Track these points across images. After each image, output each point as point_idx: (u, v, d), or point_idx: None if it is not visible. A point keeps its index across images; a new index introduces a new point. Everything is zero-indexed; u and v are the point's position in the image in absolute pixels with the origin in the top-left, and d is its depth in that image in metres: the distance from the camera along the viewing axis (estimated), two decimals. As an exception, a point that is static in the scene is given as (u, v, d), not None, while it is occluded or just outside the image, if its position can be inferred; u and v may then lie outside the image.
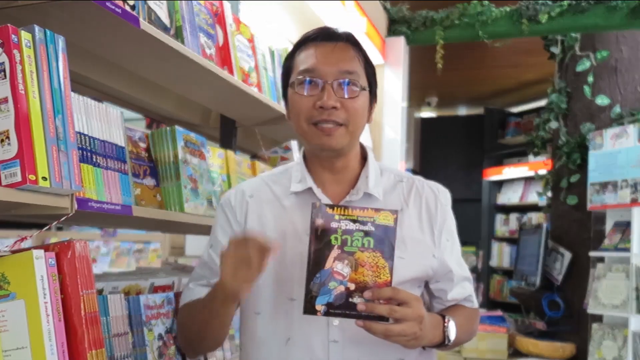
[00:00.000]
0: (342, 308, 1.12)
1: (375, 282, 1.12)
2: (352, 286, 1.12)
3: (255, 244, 1.17)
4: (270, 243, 1.17)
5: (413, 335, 1.14)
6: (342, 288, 1.12)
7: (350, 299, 1.12)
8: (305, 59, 1.30)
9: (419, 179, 1.41)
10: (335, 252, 1.13)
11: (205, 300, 1.31)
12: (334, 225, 1.14)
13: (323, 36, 1.32)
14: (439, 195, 1.38)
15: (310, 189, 1.34)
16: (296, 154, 2.33)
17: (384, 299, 1.12)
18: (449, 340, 1.26)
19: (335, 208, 1.15)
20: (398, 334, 1.12)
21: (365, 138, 3.78)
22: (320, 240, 1.13)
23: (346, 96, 1.27)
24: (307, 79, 1.28)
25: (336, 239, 1.13)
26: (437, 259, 1.34)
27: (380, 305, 1.12)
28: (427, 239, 1.34)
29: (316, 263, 1.13)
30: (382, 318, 1.12)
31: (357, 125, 1.31)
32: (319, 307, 1.12)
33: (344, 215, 1.14)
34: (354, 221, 1.14)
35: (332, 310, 1.12)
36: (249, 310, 1.36)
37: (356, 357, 1.26)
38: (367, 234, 1.13)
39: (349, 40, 1.33)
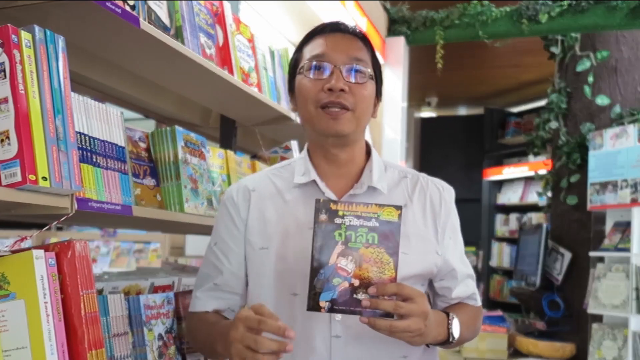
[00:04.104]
0: (346, 304, 1.12)
1: (380, 278, 1.12)
2: (356, 282, 1.12)
3: (269, 327, 1.07)
4: (285, 329, 1.06)
5: (418, 332, 1.13)
6: (346, 284, 1.12)
7: (354, 295, 1.11)
8: (315, 47, 1.32)
9: (423, 175, 1.41)
10: (339, 248, 1.12)
11: (211, 335, 1.29)
12: (337, 221, 1.13)
13: (332, 28, 1.34)
14: (443, 193, 1.38)
15: (313, 181, 1.33)
16: (296, 153, 2.33)
17: (388, 295, 1.12)
18: (453, 338, 1.25)
19: (339, 204, 1.14)
20: (403, 330, 1.11)
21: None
22: (324, 236, 1.13)
23: (354, 81, 1.28)
24: (316, 63, 1.29)
25: (340, 235, 1.13)
26: (441, 257, 1.34)
27: (385, 301, 1.11)
28: (430, 236, 1.33)
29: (320, 259, 1.12)
30: (387, 314, 1.11)
31: (364, 112, 1.31)
32: (323, 303, 1.11)
33: (347, 211, 1.14)
34: (358, 217, 1.13)
35: (336, 306, 1.12)
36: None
37: (359, 353, 1.26)
38: (371, 229, 1.13)
39: (358, 34, 1.35)
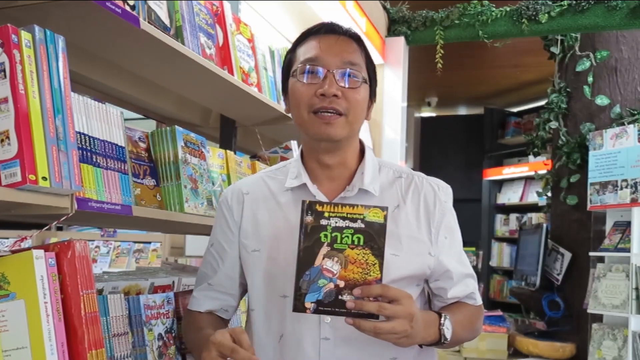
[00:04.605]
0: (331, 305, 1.12)
1: (365, 279, 1.12)
2: (341, 283, 1.12)
3: (240, 357, 1.10)
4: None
5: (404, 333, 1.12)
6: (331, 285, 1.12)
7: (339, 297, 1.12)
8: (308, 50, 1.30)
9: (419, 175, 1.39)
10: (324, 250, 1.13)
11: (194, 342, 1.34)
12: (323, 222, 1.13)
13: (326, 29, 1.32)
14: (439, 192, 1.36)
15: (305, 185, 1.33)
16: (296, 153, 2.33)
17: (373, 297, 1.12)
18: (445, 339, 1.23)
19: (325, 205, 1.14)
20: (388, 332, 1.11)
21: (365, 138, 3.79)
22: (310, 238, 1.13)
23: (347, 86, 1.27)
24: (310, 67, 1.28)
25: (326, 236, 1.13)
26: (434, 257, 1.32)
27: (370, 302, 1.11)
28: (423, 237, 1.32)
29: (305, 260, 1.12)
30: (372, 316, 1.11)
31: (357, 116, 1.30)
32: (308, 304, 1.12)
33: (333, 212, 1.14)
34: (344, 218, 1.13)
35: (322, 307, 1.12)
36: (248, 307, 1.38)
37: (348, 355, 1.26)
38: (356, 231, 1.13)
39: (352, 35, 1.34)
